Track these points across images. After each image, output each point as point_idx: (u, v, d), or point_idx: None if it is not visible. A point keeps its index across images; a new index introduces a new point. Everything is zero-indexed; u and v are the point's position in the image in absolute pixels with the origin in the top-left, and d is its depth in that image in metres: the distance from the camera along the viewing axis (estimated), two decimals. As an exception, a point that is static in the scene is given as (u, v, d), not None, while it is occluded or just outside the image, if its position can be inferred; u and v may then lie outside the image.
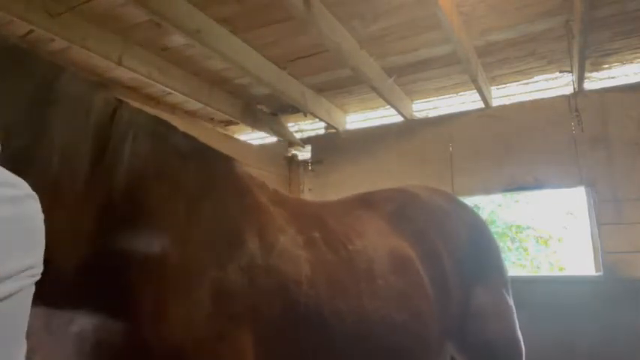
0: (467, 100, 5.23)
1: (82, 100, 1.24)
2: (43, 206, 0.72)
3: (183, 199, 1.40)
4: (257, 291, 1.42)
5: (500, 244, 8.67)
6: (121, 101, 1.36)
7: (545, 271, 8.62)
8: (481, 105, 4.99)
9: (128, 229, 1.26)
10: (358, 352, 1.68)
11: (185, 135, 1.54)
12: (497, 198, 8.78)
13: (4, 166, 0.69)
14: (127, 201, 1.26)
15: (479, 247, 2.38)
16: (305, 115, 5.71)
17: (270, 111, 5.77)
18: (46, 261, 0.71)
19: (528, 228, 9.11)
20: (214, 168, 1.60)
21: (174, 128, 1.52)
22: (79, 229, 1.17)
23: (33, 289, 0.68)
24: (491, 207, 9.16)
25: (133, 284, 1.20)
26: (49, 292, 1.16)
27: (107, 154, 1.25)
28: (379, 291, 1.78)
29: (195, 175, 1.49)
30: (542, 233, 8.99)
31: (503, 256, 2.63)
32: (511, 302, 2.42)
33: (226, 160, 1.69)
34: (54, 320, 1.17)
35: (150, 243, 1.27)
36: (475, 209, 2.65)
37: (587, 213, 4.53)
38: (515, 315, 2.41)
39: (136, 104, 1.53)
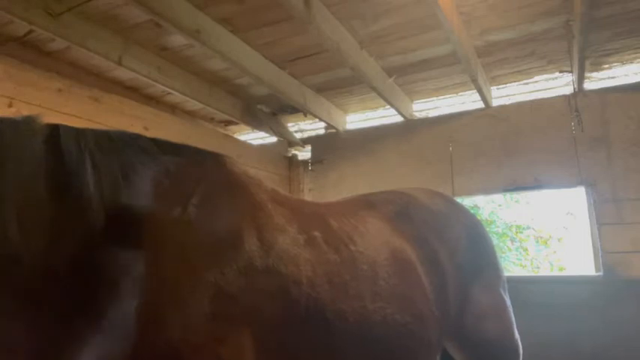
0: (467, 100, 5.23)
1: (18, 152, 1.19)
2: None
3: (171, 201, 1.37)
4: (256, 292, 1.40)
5: (500, 244, 8.73)
6: (57, 128, 1.29)
7: (545, 271, 8.63)
8: (481, 105, 4.98)
9: (119, 241, 1.24)
10: (360, 353, 1.66)
11: (154, 139, 1.48)
12: (498, 198, 8.78)
13: None
14: (112, 218, 1.24)
15: (476, 248, 2.40)
16: (305, 115, 5.71)
17: (270, 111, 5.77)
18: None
19: (528, 228, 9.12)
20: (201, 165, 1.55)
21: (137, 135, 1.46)
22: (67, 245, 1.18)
23: None
24: (491, 207, 9.17)
25: (130, 290, 1.19)
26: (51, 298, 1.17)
27: (70, 186, 1.22)
28: (381, 292, 1.76)
29: (180, 175, 1.44)
30: (542, 233, 9.00)
31: (499, 254, 2.65)
32: (508, 301, 2.45)
33: (215, 157, 1.63)
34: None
35: (142, 250, 1.25)
36: (475, 209, 2.67)
37: (587, 213, 4.53)
38: (512, 314, 2.43)
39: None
